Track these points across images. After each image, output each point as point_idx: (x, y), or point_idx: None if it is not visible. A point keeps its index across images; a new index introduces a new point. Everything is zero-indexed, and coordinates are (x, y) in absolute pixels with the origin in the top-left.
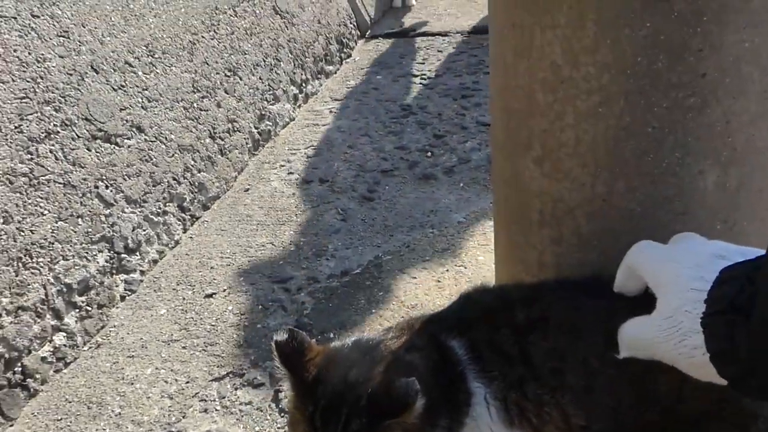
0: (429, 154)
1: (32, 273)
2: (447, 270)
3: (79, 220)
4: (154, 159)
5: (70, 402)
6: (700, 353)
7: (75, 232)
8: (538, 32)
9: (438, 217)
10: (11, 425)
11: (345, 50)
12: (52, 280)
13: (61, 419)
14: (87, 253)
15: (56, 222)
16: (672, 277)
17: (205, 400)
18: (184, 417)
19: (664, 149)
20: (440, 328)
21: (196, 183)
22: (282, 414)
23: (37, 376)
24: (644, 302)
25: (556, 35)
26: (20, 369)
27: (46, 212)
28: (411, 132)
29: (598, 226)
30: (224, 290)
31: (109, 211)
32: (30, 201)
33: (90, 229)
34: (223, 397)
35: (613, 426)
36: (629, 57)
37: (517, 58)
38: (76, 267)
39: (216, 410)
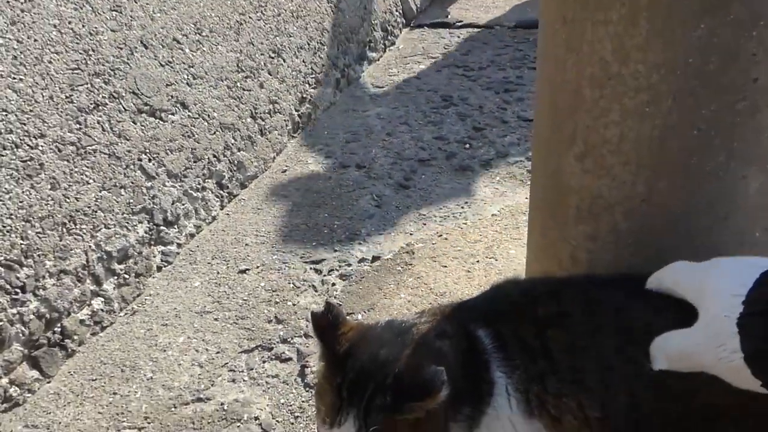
0: (467, 146)
1: (75, 239)
2: (478, 261)
3: (122, 190)
4: (196, 135)
5: (105, 364)
6: (738, 357)
7: (117, 202)
8: (590, 27)
9: (472, 208)
10: (48, 382)
11: (389, 38)
12: (93, 247)
13: (95, 379)
14: (128, 223)
15: (100, 191)
16: (713, 286)
17: (234, 371)
18: (212, 385)
19: (709, 152)
20: (469, 317)
21: (236, 161)
22: (307, 389)
23: (75, 337)
24: (662, 305)
25: (608, 32)
26: (59, 330)
27: (91, 181)
28: (450, 123)
29: (636, 224)
30: (257, 267)
31: (150, 183)
32: (76, 169)
33: (131, 200)
34: (251, 369)
35: (629, 420)
36: (681, 57)
37: (567, 52)
38: (117, 236)
39: (244, 381)
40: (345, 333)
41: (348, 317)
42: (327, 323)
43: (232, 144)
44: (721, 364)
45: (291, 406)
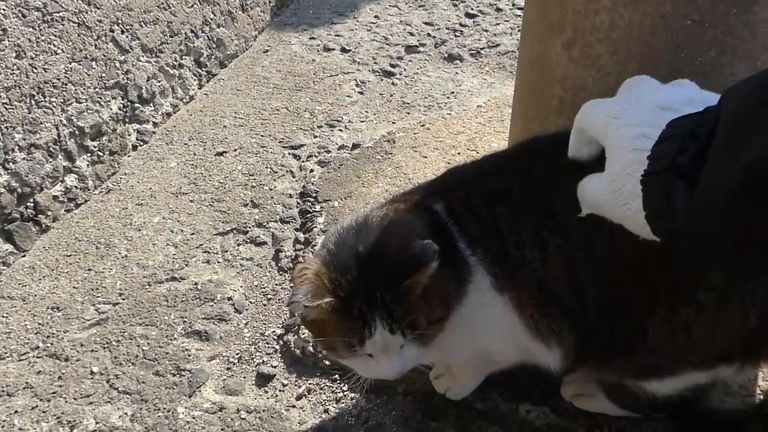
0: (458, 33)
1: (45, 112)
2: (459, 153)
3: (93, 63)
4: (173, 8)
5: (79, 240)
6: (642, 216)
7: (88, 75)
8: None
9: (458, 99)
10: (23, 256)
11: None
12: (64, 122)
13: (70, 255)
14: (100, 98)
15: (70, 63)
16: (615, 137)
17: (208, 252)
18: (186, 265)
19: (700, 45)
20: (425, 195)
21: (215, 38)
22: (281, 272)
23: (49, 213)
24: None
25: None
26: (32, 205)
27: (59, 51)
28: (443, 8)
29: None
30: (235, 150)
31: (124, 57)
32: (43, 38)
33: (104, 74)
34: (226, 251)
35: (578, 292)
36: None
37: None
38: (89, 111)
39: (218, 262)
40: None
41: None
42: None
43: (211, 19)
44: (627, 221)
45: (264, 288)
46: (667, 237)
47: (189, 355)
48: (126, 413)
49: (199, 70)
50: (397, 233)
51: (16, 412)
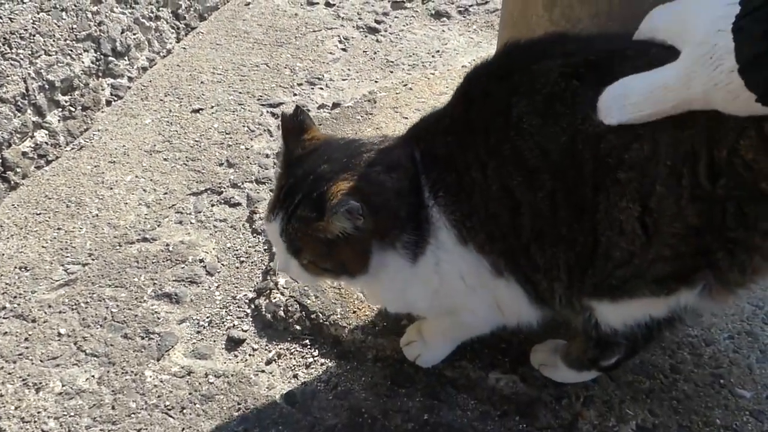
0: None
1: (11, 64)
2: None
3: (63, 14)
4: None
5: (49, 199)
6: (737, 73)
7: (58, 26)
8: None
9: (443, 58)
10: None
11: None
12: (33, 75)
13: (40, 214)
14: (71, 50)
15: (38, 13)
16: (698, 9)
17: (181, 213)
18: (159, 225)
19: None
20: (413, 139)
21: None
22: (255, 234)
23: (18, 170)
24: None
25: None
26: (0, 161)
27: (26, 0)
28: None
29: None
30: (212, 107)
31: (96, 8)
32: None
33: (75, 26)
34: (199, 212)
35: (513, 210)
36: None
37: None
38: (59, 64)
39: (191, 223)
40: (307, 140)
41: (316, 126)
42: (293, 126)
43: None
44: (718, 90)
45: (237, 250)
46: (765, 89)
47: (158, 318)
48: (93, 376)
49: (177, 23)
50: (355, 176)
51: None
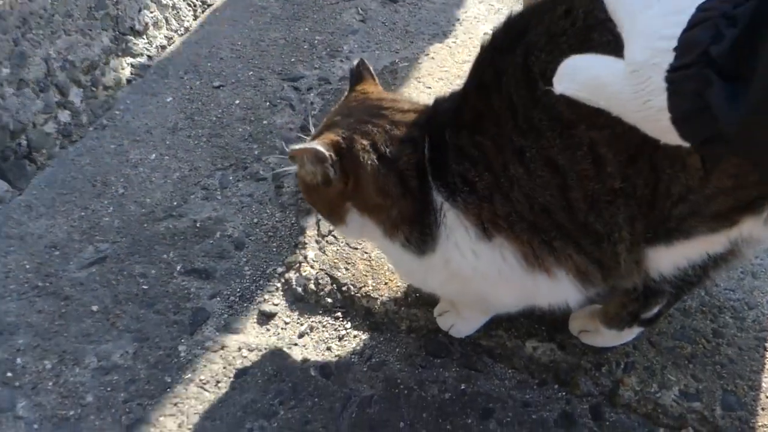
0: None
1: (32, 45)
2: None
3: None
4: None
5: (75, 178)
6: (665, 117)
7: (77, 6)
8: None
9: (464, 26)
10: (19, 194)
11: None
12: (54, 55)
13: (66, 194)
14: (90, 30)
15: None
16: (643, 20)
17: (207, 189)
18: (185, 203)
19: None
20: (425, 132)
21: None
22: (281, 209)
23: (43, 150)
24: None
25: None
26: (26, 142)
27: None
28: None
29: None
30: (232, 83)
31: None
32: None
33: (92, 5)
34: (225, 188)
35: (563, 191)
36: None
37: None
38: (79, 44)
39: (217, 199)
40: (358, 90)
41: (375, 78)
42: (353, 77)
43: None
44: (646, 123)
45: (264, 225)
46: (698, 142)
47: (189, 294)
48: (127, 351)
49: (194, 0)
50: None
51: (18, 350)
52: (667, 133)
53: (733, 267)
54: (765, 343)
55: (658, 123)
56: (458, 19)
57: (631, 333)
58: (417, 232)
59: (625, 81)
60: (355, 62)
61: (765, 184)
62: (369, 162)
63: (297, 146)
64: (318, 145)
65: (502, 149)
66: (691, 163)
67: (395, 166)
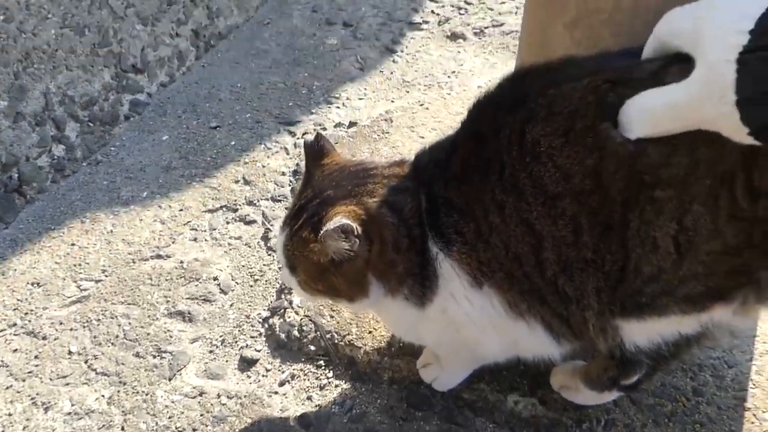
0: (462, 11)
1: (33, 79)
2: None
3: (86, 30)
4: None
5: (64, 214)
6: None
7: (81, 42)
8: None
9: (459, 79)
10: (5, 228)
11: None
12: (53, 90)
13: (54, 229)
14: (92, 66)
15: (60, 28)
16: (713, 25)
17: (196, 230)
18: (173, 242)
19: None
20: (417, 183)
21: (214, 8)
22: (269, 252)
23: (34, 184)
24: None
25: None
26: (17, 175)
27: (50, 16)
28: None
29: None
30: (229, 124)
31: (118, 25)
32: (33, 1)
33: (96, 42)
34: (214, 229)
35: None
36: None
37: None
38: (80, 79)
39: (205, 240)
40: (326, 164)
41: (335, 149)
42: (314, 151)
43: None
44: (723, 119)
45: (252, 268)
46: (759, 127)
47: (171, 337)
48: (103, 395)
49: (197, 41)
50: (356, 203)
51: None
52: (738, 128)
53: (707, 347)
54: (744, 402)
55: (733, 117)
56: (453, 72)
57: (610, 395)
58: (418, 284)
59: (698, 86)
60: (312, 137)
61: (735, 275)
62: (388, 219)
63: (322, 231)
64: (343, 219)
65: (483, 198)
66: (663, 246)
67: (402, 216)
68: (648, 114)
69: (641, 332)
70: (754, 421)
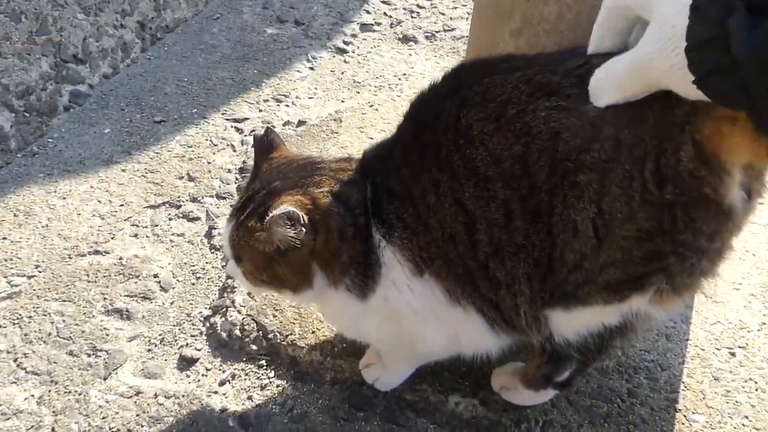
0: (414, 14)
1: None
2: None
3: (22, 16)
4: None
5: None
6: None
7: (16, 29)
8: None
9: (409, 81)
10: None
11: None
12: None
13: None
14: (29, 54)
15: None
16: None
17: (137, 226)
18: (112, 238)
19: None
20: (363, 176)
21: (161, 0)
22: (213, 250)
23: None
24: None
25: None
26: None
27: None
28: None
29: None
30: (175, 119)
31: (57, 13)
32: None
33: (34, 30)
34: (156, 225)
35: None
36: None
37: None
38: (15, 68)
39: (146, 237)
40: (274, 158)
41: (285, 145)
42: (263, 146)
43: None
44: (675, 72)
45: (194, 266)
46: (705, 73)
47: (107, 335)
48: (33, 395)
49: (143, 33)
50: (302, 193)
51: None
52: (688, 79)
53: (630, 340)
54: (675, 404)
55: (685, 71)
56: (404, 74)
57: (547, 394)
58: (361, 273)
59: (653, 41)
60: (262, 131)
61: (648, 261)
62: (334, 208)
63: (268, 218)
64: (289, 206)
65: (420, 178)
66: (583, 230)
67: (348, 206)
68: (613, 80)
69: (568, 324)
70: (684, 422)
